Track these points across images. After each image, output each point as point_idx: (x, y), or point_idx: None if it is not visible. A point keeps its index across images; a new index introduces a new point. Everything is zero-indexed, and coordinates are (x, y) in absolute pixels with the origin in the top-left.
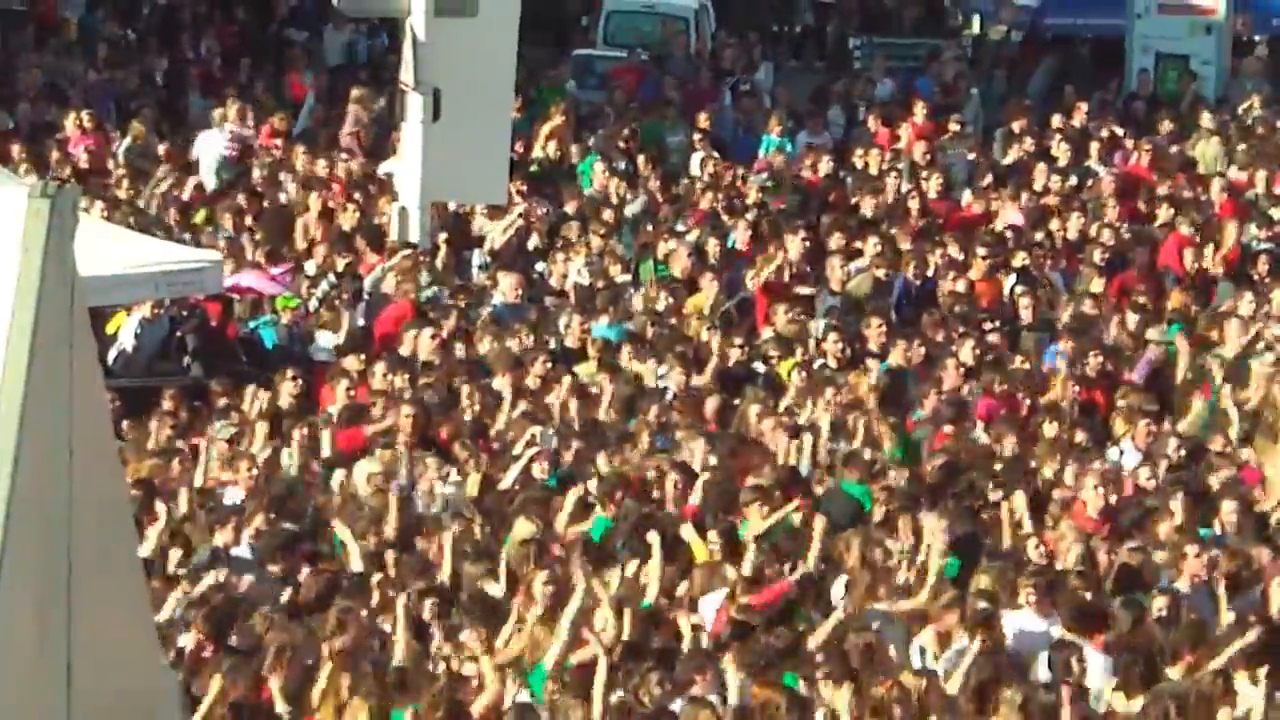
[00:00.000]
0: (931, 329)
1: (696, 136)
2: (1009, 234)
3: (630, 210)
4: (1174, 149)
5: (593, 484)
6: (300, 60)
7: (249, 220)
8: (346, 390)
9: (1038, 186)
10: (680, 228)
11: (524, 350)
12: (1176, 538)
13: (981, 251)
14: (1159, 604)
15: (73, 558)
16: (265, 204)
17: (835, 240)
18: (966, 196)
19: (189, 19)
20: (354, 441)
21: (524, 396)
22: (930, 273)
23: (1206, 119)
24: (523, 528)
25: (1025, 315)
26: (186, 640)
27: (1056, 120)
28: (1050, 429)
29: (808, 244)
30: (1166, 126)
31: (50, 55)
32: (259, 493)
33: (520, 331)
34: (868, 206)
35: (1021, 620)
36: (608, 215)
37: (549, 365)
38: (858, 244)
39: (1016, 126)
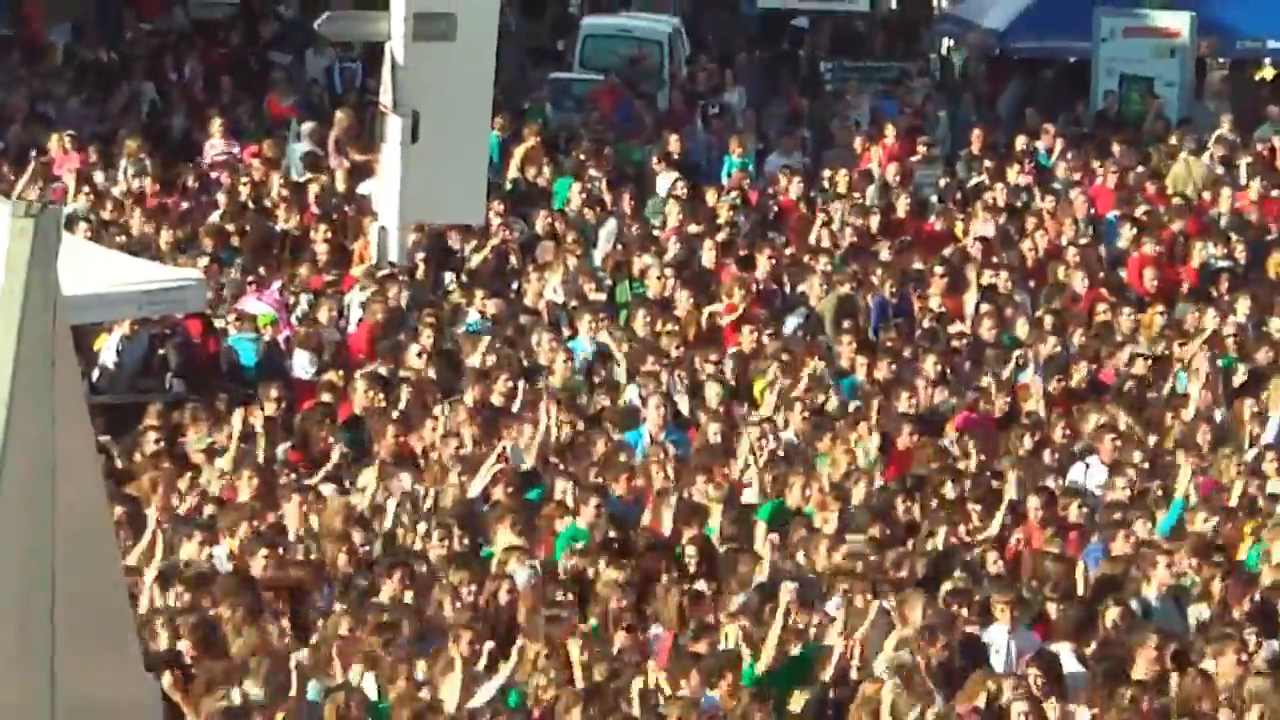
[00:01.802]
0: (897, 344)
1: (654, 159)
2: (975, 250)
3: (603, 231)
4: (1140, 169)
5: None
6: (282, 83)
7: (234, 240)
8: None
9: (1004, 207)
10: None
11: (492, 366)
12: (1144, 548)
13: (940, 270)
14: (1115, 614)
15: (56, 571)
16: (249, 225)
17: (820, 261)
18: (933, 215)
19: (174, 43)
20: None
21: (490, 411)
22: (901, 291)
23: (1175, 139)
24: (504, 536)
25: (988, 334)
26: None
27: (1022, 141)
28: (1018, 443)
29: (774, 262)
30: (1133, 147)
31: (36, 79)
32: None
33: (494, 347)
34: (838, 225)
35: (994, 635)
36: (581, 235)
37: (510, 383)
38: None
39: (979, 148)
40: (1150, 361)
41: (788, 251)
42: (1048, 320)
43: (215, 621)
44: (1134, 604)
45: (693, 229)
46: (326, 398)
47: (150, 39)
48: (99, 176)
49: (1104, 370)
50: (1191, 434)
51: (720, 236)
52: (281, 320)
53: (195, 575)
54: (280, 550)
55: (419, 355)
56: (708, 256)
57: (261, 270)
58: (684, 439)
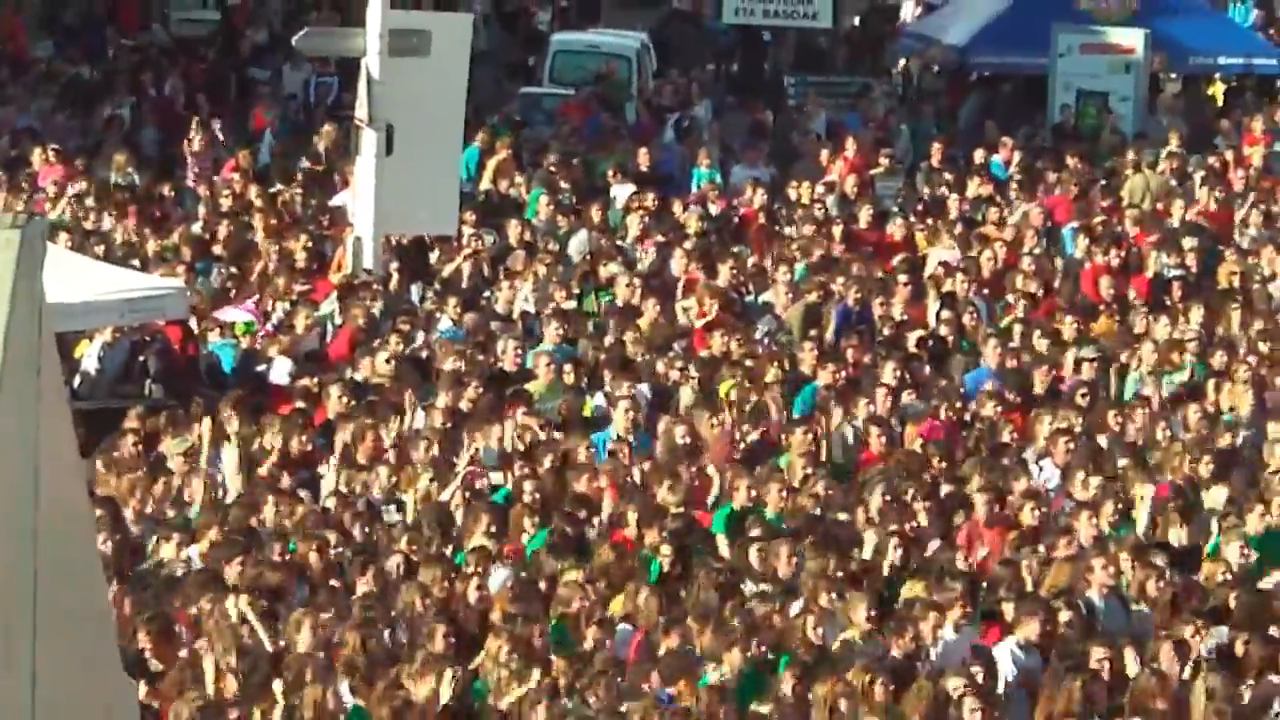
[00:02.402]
0: (856, 352)
1: (609, 171)
2: (938, 264)
3: (574, 241)
4: (1103, 183)
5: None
6: (267, 97)
7: (214, 250)
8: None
9: (963, 218)
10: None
11: (464, 372)
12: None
13: (903, 278)
14: (1068, 615)
15: (38, 571)
16: (229, 235)
17: (781, 270)
18: (892, 225)
19: (155, 58)
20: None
21: (461, 416)
22: (864, 299)
23: (1131, 152)
24: (476, 539)
25: (949, 339)
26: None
27: (980, 155)
28: (976, 448)
29: (735, 271)
30: (1089, 160)
31: (20, 91)
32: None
33: (464, 353)
34: (802, 236)
35: (946, 633)
36: (553, 245)
37: (480, 390)
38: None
39: (939, 160)
40: (1096, 365)
41: (751, 261)
42: (1003, 328)
43: (173, 618)
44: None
45: (658, 239)
46: (302, 404)
47: (132, 55)
48: (83, 187)
49: (1058, 376)
50: (1148, 435)
51: (688, 245)
52: (259, 328)
53: (166, 578)
54: (254, 552)
55: (387, 361)
56: (677, 266)
57: (235, 275)
58: (650, 442)
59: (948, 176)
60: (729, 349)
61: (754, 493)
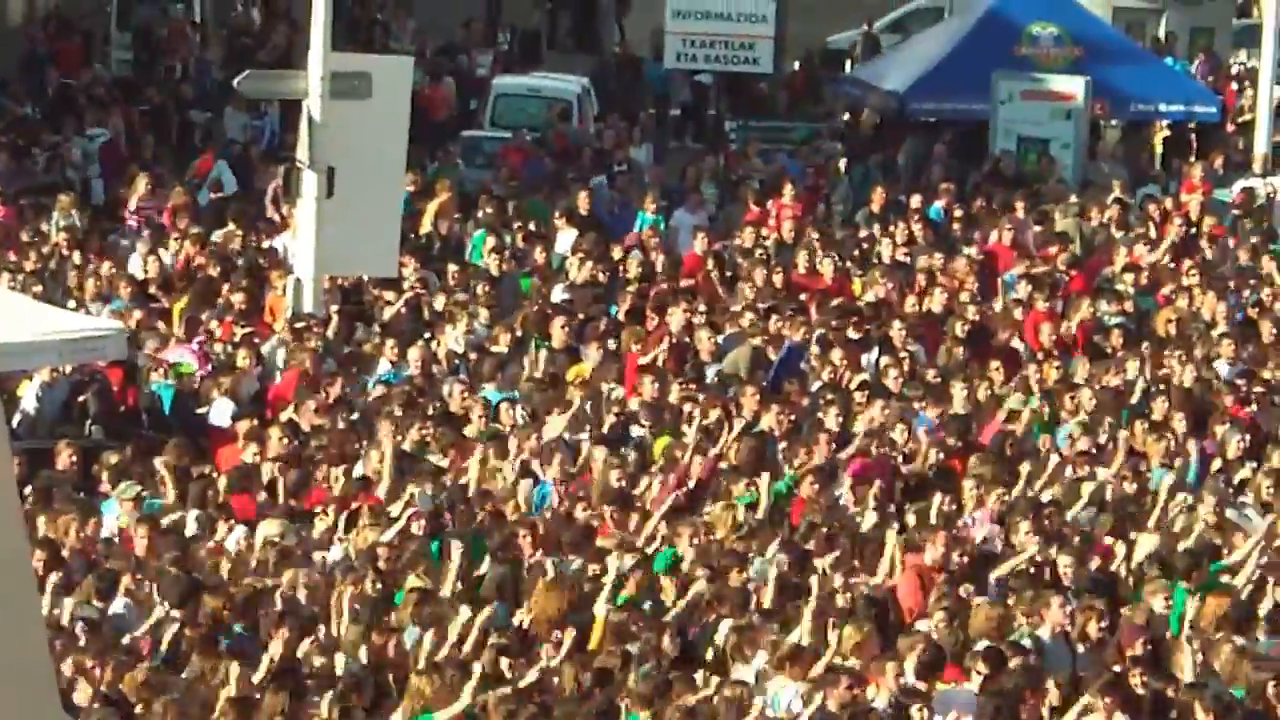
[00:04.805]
0: (798, 395)
1: (556, 215)
2: (869, 306)
3: (521, 283)
4: (1038, 228)
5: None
6: (207, 139)
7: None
8: (254, 455)
9: (902, 264)
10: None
11: (404, 415)
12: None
13: (841, 323)
14: (1018, 656)
15: None
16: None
17: (727, 315)
18: (827, 269)
19: (101, 98)
20: (245, 508)
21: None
22: (803, 344)
23: (1073, 199)
24: (412, 581)
25: (891, 385)
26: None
27: (918, 200)
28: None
29: (690, 316)
30: (1031, 206)
31: None
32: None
33: (403, 397)
34: (746, 281)
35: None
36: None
37: (424, 430)
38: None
39: (879, 207)
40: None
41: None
42: (943, 376)
43: None
44: (1026, 642)
45: (585, 276)
46: (248, 447)
47: (73, 94)
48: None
49: (989, 425)
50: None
51: (630, 290)
52: (200, 370)
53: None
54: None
55: (315, 410)
56: (620, 310)
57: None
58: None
59: (897, 221)
60: (663, 393)
61: (695, 540)
